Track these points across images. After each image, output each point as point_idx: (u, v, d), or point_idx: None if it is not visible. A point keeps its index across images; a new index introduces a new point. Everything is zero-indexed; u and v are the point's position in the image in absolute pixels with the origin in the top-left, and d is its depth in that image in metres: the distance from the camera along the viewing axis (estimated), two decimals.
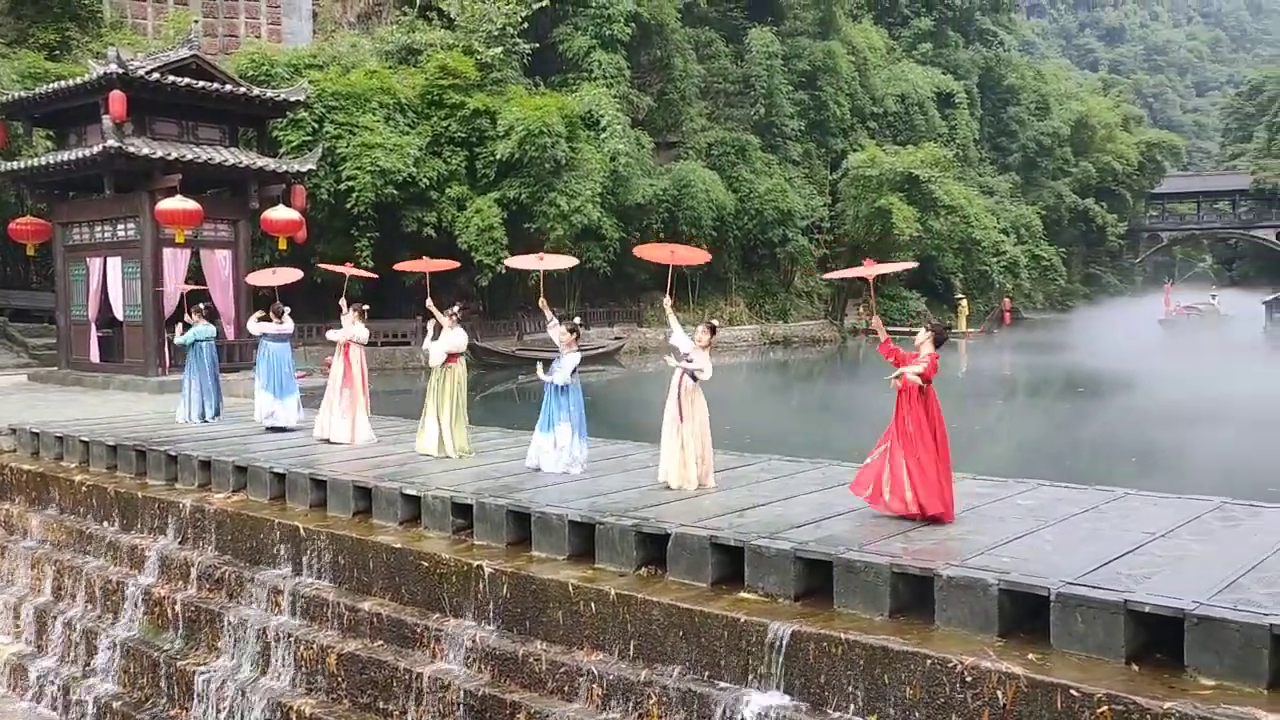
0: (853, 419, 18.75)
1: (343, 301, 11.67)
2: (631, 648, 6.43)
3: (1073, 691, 4.82)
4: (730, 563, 6.57)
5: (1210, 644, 4.86)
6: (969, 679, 5.12)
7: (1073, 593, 5.28)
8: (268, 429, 12.30)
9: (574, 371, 9.20)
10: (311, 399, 12.85)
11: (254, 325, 12.71)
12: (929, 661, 5.26)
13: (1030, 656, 5.18)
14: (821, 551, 6.21)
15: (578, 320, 9.86)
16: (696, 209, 40.86)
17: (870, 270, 8.63)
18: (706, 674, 6.08)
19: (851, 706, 5.50)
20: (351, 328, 11.59)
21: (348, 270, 12.96)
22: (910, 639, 5.49)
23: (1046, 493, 8.12)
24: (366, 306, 11.76)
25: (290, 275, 13.29)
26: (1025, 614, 5.51)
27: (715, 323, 8.82)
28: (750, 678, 5.88)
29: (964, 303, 53.47)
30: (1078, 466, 15.61)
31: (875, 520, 7.04)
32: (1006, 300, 58.90)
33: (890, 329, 8.06)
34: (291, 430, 12.20)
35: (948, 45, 66.86)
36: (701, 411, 8.43)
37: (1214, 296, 56.17)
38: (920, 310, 55.26)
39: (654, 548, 6.92)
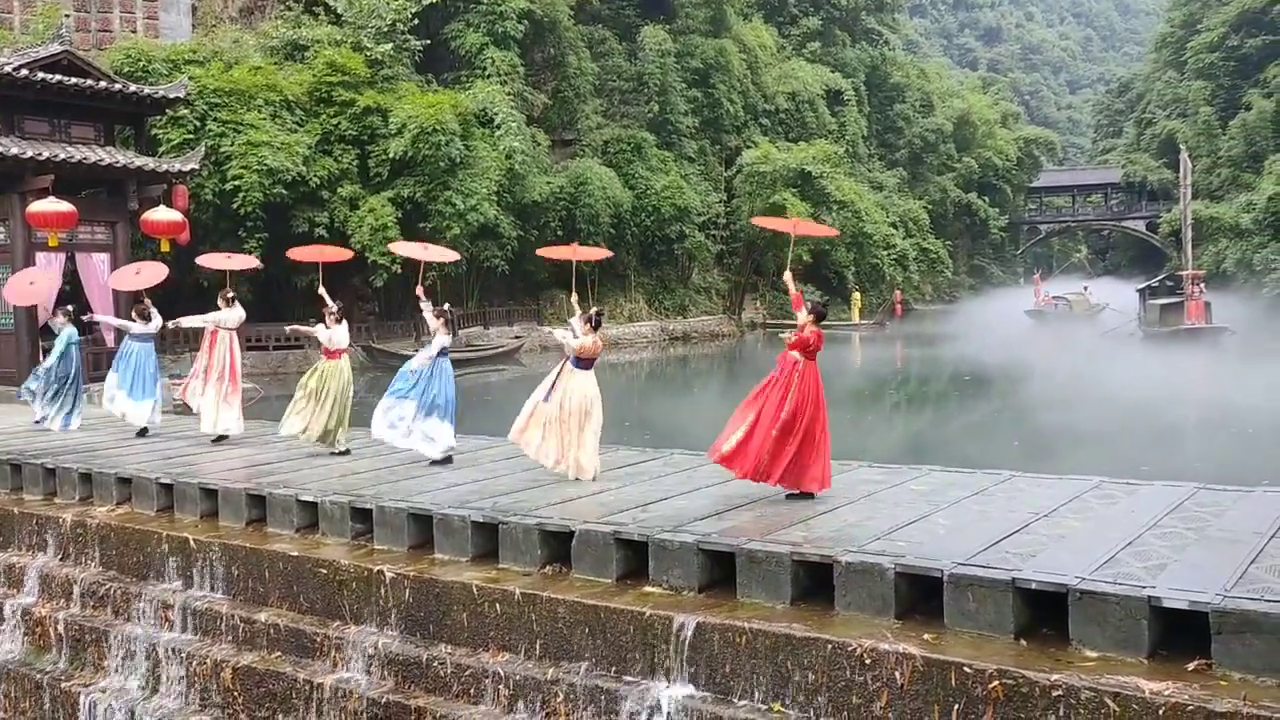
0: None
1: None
2: (538, 647, 6.41)
3: (965, 669, 4.98)
4: (635, 558, 6.59)
5: (1093, 617, 5.08)
6: (868, 661, 5.25)
7: (964, 573, 5.45)
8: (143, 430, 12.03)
9: (441, 353, 9.63)
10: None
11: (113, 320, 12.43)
12: (829, 646, 5.37)
13: (926, 636, 5.34)
14: (724, 543, 6.28)
15: (447, 306, 10.15)
16: (594, 206, 40.85)
17: (795, 227, 9.27)
18: (613, 669, 6.09)
19: (756, 694, 5.58)
20: (220, 314, 11.59)
21: (230, 261, 12.59)
22: (811, 625, 5.60)
23: (937, 478, 8.37)
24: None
25: (156, 274, 12.87)
26: (921, 595, 5.67)
27: (596, 311, 8.93)
28: (657, 671, 5.92)
29: (857, 295, 54.75)
30: (967, 452, 16.18)
31: (776, 510, 7.16)
32: (898, 293, 60.57)
33: (784, 323, 8.39)
34: (160, 433, 12.01)
35: (835, 44, 68.36)
36: (577, 398, 8.49)
37: (1085, 287, 58.23)
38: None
39: (558, 545, 6.91)
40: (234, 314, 11.68)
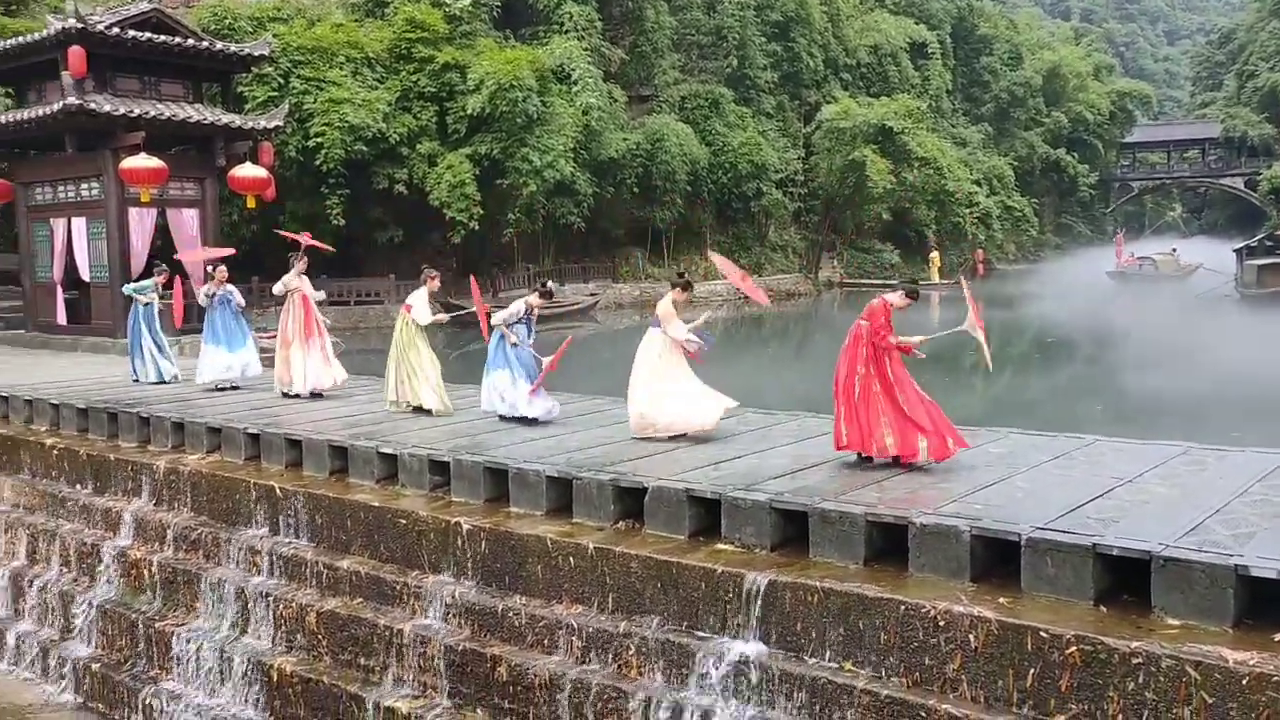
0: (828, 372, 18.84)
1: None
2: (610, 600, 6.49)
3: (1042, 633, 4.91)
4: (707, 515, 6.62)
5: (1177, 585, 4.96)
6: (942, 623, 5.21)
7: (1043, 537, 5.36)
8: (221, 387, 12.39)
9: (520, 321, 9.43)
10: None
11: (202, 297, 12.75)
12: (903, 607, 5.35)
13: (1001, 600, 5.27)
14: (797, 502, 6.27)
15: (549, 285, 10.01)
16: (670, 163, 40.63)
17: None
18: (685, 624, 6.15)
19: (827, 653, 5.59)
20: (297, 279, 11.80)
21: (305, 240, 12.81)
22: (884, 586, 5.57)
23: (1017, 440, 8.21)
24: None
25: (220, 250, 13.30)
26: (997, 559, 5.60)
27: (683, 277, 8.81)
28: (728, 627, 5.96)
29: (935, 255, 53.68)
30: (1048, 415, 15.85)
31: (850, 471, 7.11)
32: (979, 252, 59.20)
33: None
34: (247, 386, 12.35)
35: None
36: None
37: (1174, 249, 55.81)
38: (893, 263, 55.52)
39: (631, 501, 6.96)
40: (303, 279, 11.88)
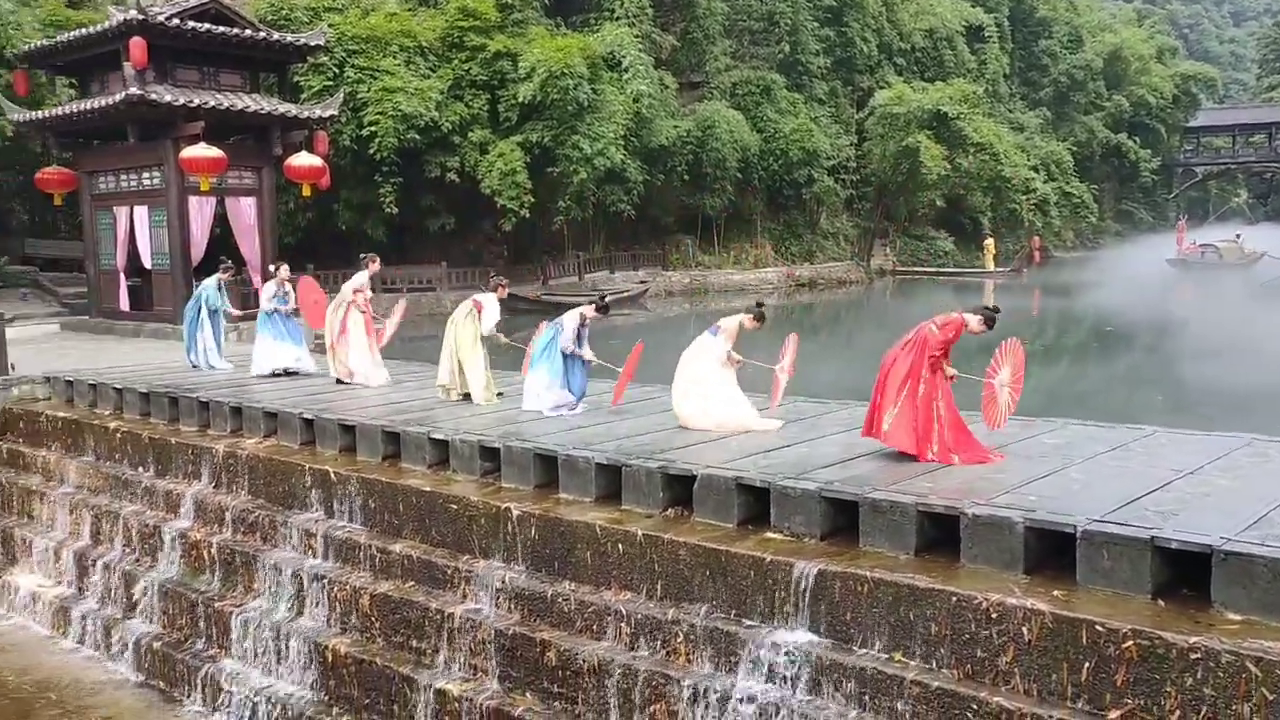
0: (878, 360, 18.69)
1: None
2: (659, 587, 6.51)
3: (1098, 627, 4.84)
4: (756, 503, 6.61)
5: (1238, 579, 4.85)
6: (994, 615, 5.15)
7: (1099, 530, 5.27)
8: (277, 372, 12.61)
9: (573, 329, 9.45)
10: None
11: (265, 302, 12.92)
12: (954, 598, 5.30)
13: (1056, 593, 5.20)
14: (847, 491, 6.23)
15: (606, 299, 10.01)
16: (721, 150, 40.42)
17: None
18: (733, 612, 6.15)
19: (877, 643, 5.55)
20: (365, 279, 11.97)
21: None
22: (936, 577, 5.52)
23: (1074, 431, 8.08)
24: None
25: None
26: (1051, 551, 5.52)
27: (761, 308, 8.80)
28: (776, 616, 5.95)
29: (990, 242, 52.83)
30: (1106, 406, 15.55)
31: (901, 460, 7.04)
32: (1036, 239, 58.18)
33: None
34: (305, 372, 12.54)
35: None
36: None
37: (1238, 235, 54.29)
38: (947, 250, 54.77)
39: (680, 489, 6.97)
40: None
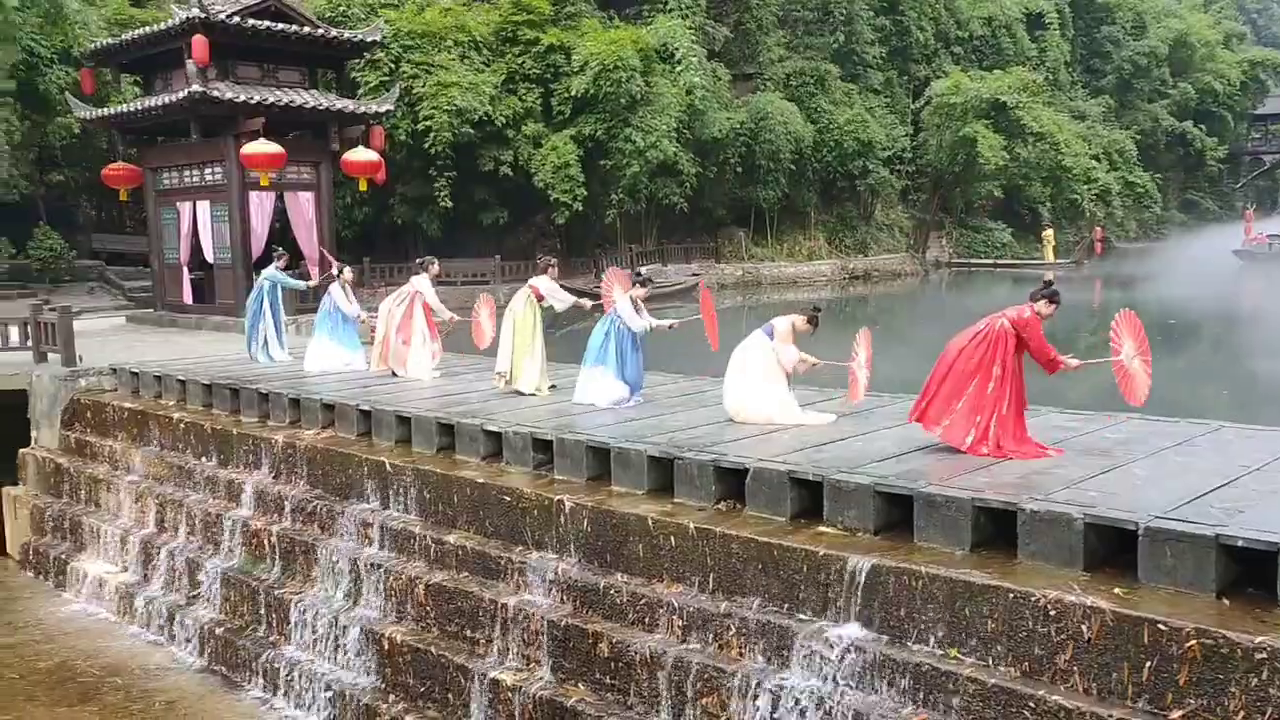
0: (934, 353, 18.47)
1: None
2: (711, 580, 6.51)
3: (1160, 626, 4.74)
4: (809, 497, 6.57)
5: None
6: (1052, 613, 5.07)
7: (1162, 527, 5.16)
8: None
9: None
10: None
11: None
12: (1011, 595, 5.22)
13: (1117, 591, 5.10)
14: (901, 486, 6.17)
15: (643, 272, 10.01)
16: (774, 142, 40.18)
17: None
18: (786, 606, 6.12)
19: (932, 639, 5.50)
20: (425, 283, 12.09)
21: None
22: (992, 573, 5.45)
23: (1136, 426, 7.92)
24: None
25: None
26: (1112, 549, 5.42)
27: (817, 312, 8.76)
28: (829, 610, 5.91)
29: (1050, 233, 51.83)
30: (1169, 400, 15.21)
31: (957, 455, 6.95)
32: (1097, 230, 56.96)
33: (972, 262, 7.94)
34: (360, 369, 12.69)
35: None
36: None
37: None
38: (1005, 242, 53.88)
39: (733, 482, 6.96)
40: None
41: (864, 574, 5.76)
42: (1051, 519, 5.50)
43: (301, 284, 14.38)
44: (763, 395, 8.33)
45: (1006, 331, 6.96)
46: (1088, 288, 40.88)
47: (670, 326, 9.78)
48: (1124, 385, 7.09)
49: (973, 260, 50.97)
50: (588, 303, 10.92)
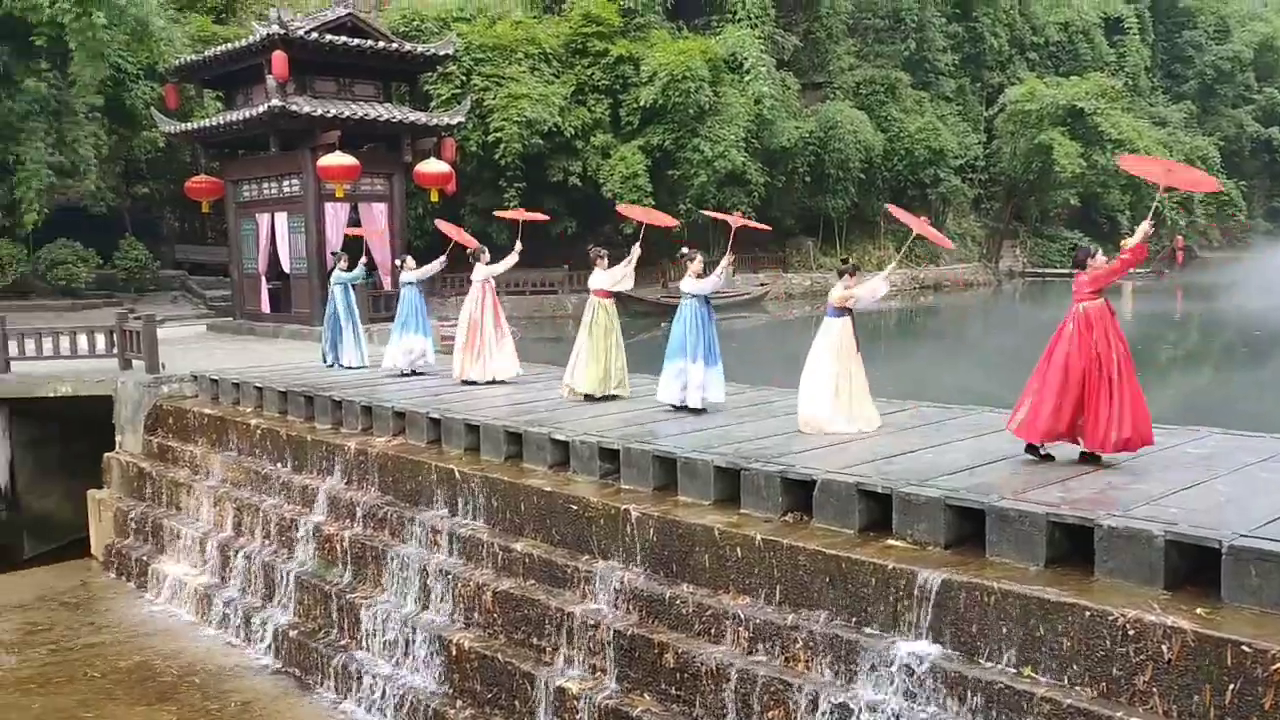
0: (1007, 365, 18.15)
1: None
2: (778, 592, 6.46)
3: (1244, 647, 4.58)
4: (878, 509, 6.49)
5: None
6: (1131, 632, 4.93)
7: (1247, 545, 4.99)
8: (404, 373, 12.94)
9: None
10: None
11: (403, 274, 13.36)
12: (1088, 613, 5.09)
13: (1199, 611, 4.94)
14: (973, 499, 6.05)
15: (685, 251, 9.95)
16: (844, 151, 39.88)
17: (924, 228, 8.74)
18: (853, 620, 6.05)
19: (1005, 657, 5.38)
20: (485, 268, 12.27)
21: (521, 215, 13.22)
22: (1068, 590, 5.32)
23: (1219, 441, 7.67)
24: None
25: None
26: (1194, 567, 5.25)
27: (845, 262, 8.76)
28: (899, 625, 5.83)
29: (1129, 242, 50.45)
30: (1256, 415, 14.71)
31: (1031, 469, 6.81)
32: (1179, 239, 55.38)
33: (1046, 271, 7.81)
34: (430, 373, 12.84)
35: None
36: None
37: None
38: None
39: (800, 494, 6.90)
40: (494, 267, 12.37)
41: (935, 589, 5.66)
42: (1131, 535, 5.35)
43: (360, 272, 14.49)
44: (838, 392, 8.26)
45: (1089, 311, 6.79)
46: (1169, 298, 39.80)
47: (729, 265, 9.71)
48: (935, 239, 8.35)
49: (1047, 269, 49.92)
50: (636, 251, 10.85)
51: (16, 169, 21.37)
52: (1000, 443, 7.48)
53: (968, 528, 6.09)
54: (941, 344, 28.47)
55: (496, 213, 13.43)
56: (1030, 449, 7.06)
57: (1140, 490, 6.14)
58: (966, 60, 50.19)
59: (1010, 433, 7.10)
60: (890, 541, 6.29)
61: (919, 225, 8.59)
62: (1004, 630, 5.39)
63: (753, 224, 10.65)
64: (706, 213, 11.69)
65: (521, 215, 12.98)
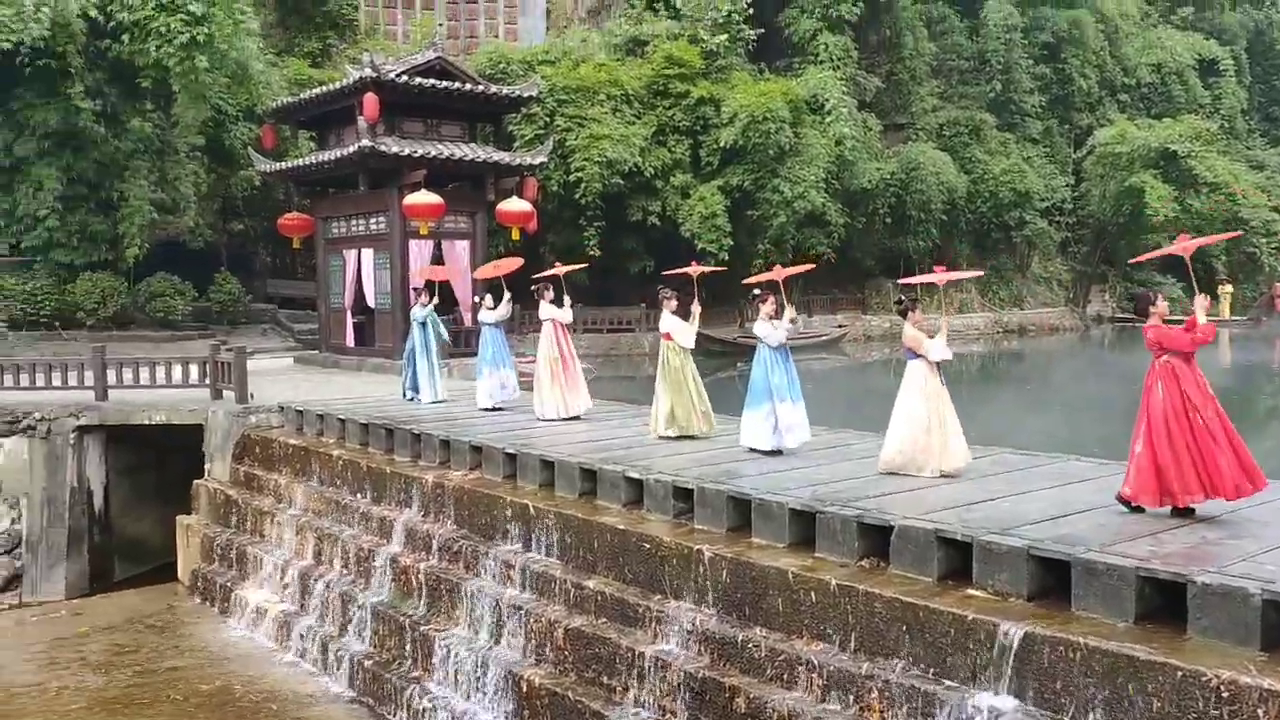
0: (1095, 412, 17.64)
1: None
2: (853, 639, 6.33)
3: None
4: (957, 557, 6.34)
5: None
6: (1225, 694, 4.72)
7: None
8: (488, 409, 13.07)
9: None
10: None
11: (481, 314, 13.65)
12: (1179, 674, 4.88)
13: None
14: (1058, 550, 5.88)
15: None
16: (925, 192, 39.49)
17: (941, 277, 8.66)
18: (931, 671, 5.90)
19: (1090, 715, 5.18)
20: (552, 308, 12.45)
21: (560, 271, 13.48)
22: (1158, 648, 5.12)
23: None
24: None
25: (511, 265, 13.95)
26: None
27: (903, 302, 8.64)
28: (979, 679, 5.66)
29: (1228, 289, 48.87)
30: None
31: (1121, 520, 6.59)
32: (1276, 285, 53.44)
33: (1138, 317, 7.58)
34: (510, 408, 12.98)
35: (1211, 8, 61.06)
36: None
37: None
38: (1174, 296, 51.12)
39: (877, 539, 6.78)
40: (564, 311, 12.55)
41: (1017, 642, 5.49)
42: (1225, 593, 5.13)
43: (427, 311, 14.80)
44: (929, 431, 8.13)
45: (1166, 364, 6.59)
46: (1266, 347, 38.34)
47: (793, 321, 9.65)
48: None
49: (1138, 316, 48.53)
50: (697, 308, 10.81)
51: (121, 205, 22.33)
52: (1086, 493, 7.26)
53: (1051, 580, 5.91)
54: (1025, 389, 27.80)
55: (534, 276, 13.58)
56: (1135, 509, 6.78)
57: (1236, 546, 5.90)
58: (1054, 101, 49.41)
59: (1124, 499, 6.79)
60: (970, 591, 6.13)
61: (939, 277, 8.68)
62: (1090, 688, 5.20)
63: (957, 275, 10.42)
64: (906, 281, 10.97)
65: (560, 271, 13.25)
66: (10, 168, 21.43)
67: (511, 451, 10.09)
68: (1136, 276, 52.03)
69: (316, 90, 21.21)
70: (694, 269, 10.20)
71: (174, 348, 20.48)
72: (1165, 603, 5.46)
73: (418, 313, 14.69)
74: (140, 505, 15.16)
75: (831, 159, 34.78)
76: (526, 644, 8.45)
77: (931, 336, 8.23)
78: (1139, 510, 6.74)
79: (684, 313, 10.69)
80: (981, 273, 10.61)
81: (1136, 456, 6.61)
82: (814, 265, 10.28)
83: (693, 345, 10.62)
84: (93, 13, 20.45)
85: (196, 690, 10.28)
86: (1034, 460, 8.99)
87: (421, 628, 9.51)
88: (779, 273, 9.94)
